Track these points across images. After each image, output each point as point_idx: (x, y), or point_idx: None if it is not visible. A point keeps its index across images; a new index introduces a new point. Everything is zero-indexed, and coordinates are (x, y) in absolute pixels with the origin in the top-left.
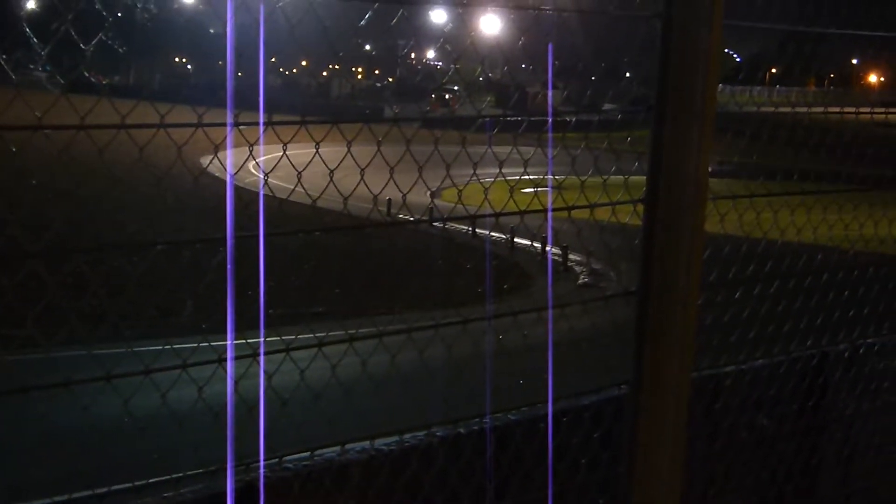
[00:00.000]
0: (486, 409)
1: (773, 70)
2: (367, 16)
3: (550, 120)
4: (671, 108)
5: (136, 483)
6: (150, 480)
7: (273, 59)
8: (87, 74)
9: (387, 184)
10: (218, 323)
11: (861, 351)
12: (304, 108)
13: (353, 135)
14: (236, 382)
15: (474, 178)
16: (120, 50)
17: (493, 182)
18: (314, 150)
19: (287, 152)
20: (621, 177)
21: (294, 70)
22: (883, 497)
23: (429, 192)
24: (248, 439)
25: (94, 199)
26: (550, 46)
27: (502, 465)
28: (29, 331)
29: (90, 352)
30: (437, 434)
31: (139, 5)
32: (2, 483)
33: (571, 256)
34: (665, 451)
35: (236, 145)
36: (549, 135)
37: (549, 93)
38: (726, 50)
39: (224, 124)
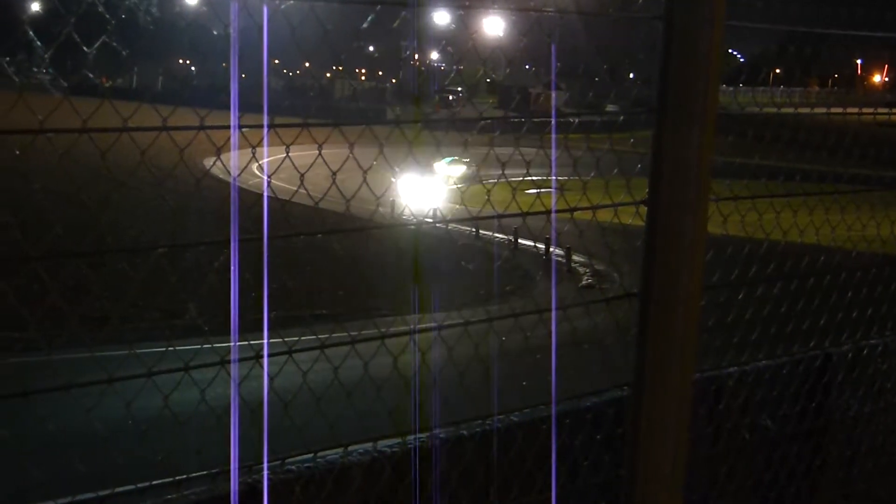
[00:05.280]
0: (494, 411)
1: (777, 70)
2: (369, 18)
3: (554, 121)
4: (672, 109)
5: (139, 485)
6: (153, 482)
7: (276, 61)
8: (90, 76)
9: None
10: (220, 325)
11: (864, 352)
12: (305, 110)
13: (356, 136)
14: (239, 384)
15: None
16: (123, 53)
17: (495, 184)
18: (317, 152)
19: (290, 154)
20: (623, 178)
21: (297, 72)
22: (883, 498)
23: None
24: (250, 441)
25: (97, 201)
26: (553, 48)
27: (504, 467)
28: (31, 334)
29: (93, 354)
30: (440, 436)
31: (141, 9)
32: (4, 485)
33: (575, 258)
34: (667, 453)
35: (239, 147)
36: (553, 136)
37: (553, 94)
38: (730, 49)
39: (226, 127)
